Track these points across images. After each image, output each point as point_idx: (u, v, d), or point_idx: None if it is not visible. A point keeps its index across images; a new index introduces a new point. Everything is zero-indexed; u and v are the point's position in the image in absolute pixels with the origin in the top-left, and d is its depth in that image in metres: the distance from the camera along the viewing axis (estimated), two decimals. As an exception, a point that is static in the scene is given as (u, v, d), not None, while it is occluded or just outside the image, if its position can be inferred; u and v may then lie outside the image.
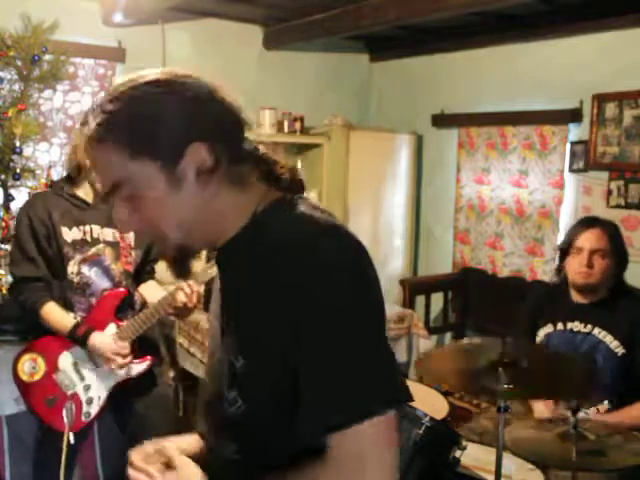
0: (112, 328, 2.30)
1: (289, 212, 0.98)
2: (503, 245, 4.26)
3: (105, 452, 2.70)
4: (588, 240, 2.37)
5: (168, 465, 1.09)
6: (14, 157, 2.97)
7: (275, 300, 0.92)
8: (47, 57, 3.05)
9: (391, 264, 4.64)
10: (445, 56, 4.55)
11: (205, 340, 3.19)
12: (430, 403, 2.09)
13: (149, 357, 2.36)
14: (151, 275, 2.51)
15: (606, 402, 2.33)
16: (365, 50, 5.11)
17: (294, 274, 0.90)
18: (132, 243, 2.39)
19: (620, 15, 3.51)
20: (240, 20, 4.34)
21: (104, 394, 2.31)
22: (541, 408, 2.43)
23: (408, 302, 4.19)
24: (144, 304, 2.42)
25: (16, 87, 3.04)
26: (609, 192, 3.64)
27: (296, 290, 0.90)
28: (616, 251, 2.38)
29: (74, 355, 2.30)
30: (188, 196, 0.95)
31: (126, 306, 2.37)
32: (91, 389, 2.30)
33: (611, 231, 2.41)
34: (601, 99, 3.63)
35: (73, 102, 3.76)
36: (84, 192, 2.34)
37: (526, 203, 4.09)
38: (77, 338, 2.24)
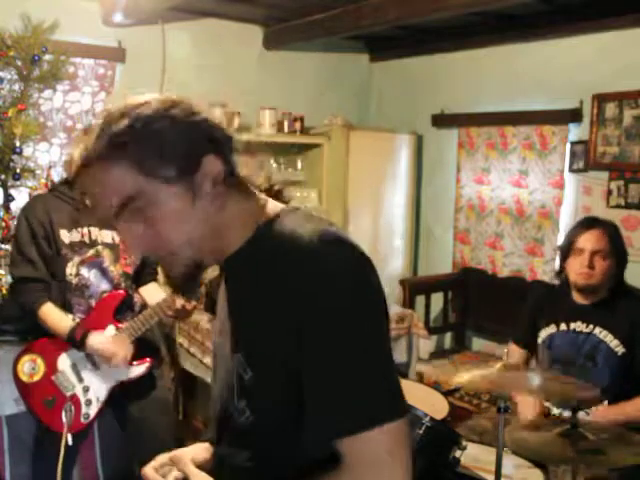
0: (111, 330, 2.31)
1: (291, 223, 0.99)
2: (503, 245, 4.26)
3: (105, 452, 2.71)
4: (589, 241, 2.37)
5: (184, 478, 1.10)
6: (14, 157, 2.97)
7: (278, 310, 0.93)
8: (47, 57, 3.05)
9: (391, 264, 4.64)
10: (445, 56, 4.55)
11: (205, 340, 3.20)
12: (430, 403, 2.09)
13: (148, 359, 2.36)
14: (152, 277, 2.52)
15: (606, 402, 2.33)
16: (365, 50, 5.11)
17: (296, 284, 0.91)
18: None
19: (620, 15, 3.50)
20: (240, 20, 4.33)
21: (103, 396, 2.31)
22: (525, 411, 2.43)
23: (408, 302, 4.19)
24: (144, 306, 2.42)
25: (16, 87, 3.03)
26: (609, 192, 3.64)
27: (299, 299, 0.90)
28: (616, 251, 2.39)
29: (73, 356, 2.30)
30: (200, 208, 0.96)
31: (125, 308, 2.37)
32: (90, 391, 2.30)
33: (611, 232, 2.41)
34: (601, 99, 3.63)
35: (73, 102, 3.75)
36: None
37: (526, 203, 4.09)
38: (75, 341, 2.24)
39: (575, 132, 3.81)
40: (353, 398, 0.89)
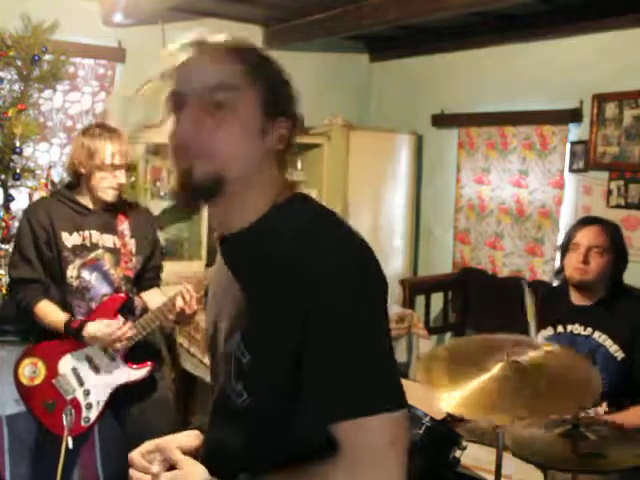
0: None
1: (305, 209, 1.02)
2: (503, 245, 4.26)
3: (105, 453, 2.71)
4: (585, 237, 2.36)
5: (170, 464, 1.09)
6: (14, 157, 2.97)
7: (284, 294, 0.93)
8: (47, 57, 3.05)
9: (391, 264, 4.63)
10: (445, 56, 4.55)
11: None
12: (430, 403, 2.09)
13: (149, 363, 2.36)
14: (155, 282, 2.52)
15: (604, 404, 2.32)
16: (365, 50, 5.11)
17: (306, 268, 0.92)
18: (133, 249, 2.40)
19: (620, 15, 3.51)
20: (240, 20, 4.33)
21: (103, 399, 2.31)
22: None
23: (408, 302, 4.19)
24: (144, 310, 2.42)
25: (16, 87, 3.03)
26: (609, 192, 3.64)
27: (307, 284, 0.91)
28: (615, 249, 2.37)
29: (74, 360, 2.30)
30: (260, 148, 0.99)
31: (126, 311, 2.37)
32: (91, 394, 2.30)
33: (611, 230, 2.40)
34: (601, 99, 3.63)
35: (73, 102, 3.75)
36: (85, 198, 2.36)
37: (526, 203, 4.09)
38: (72, 331, 2.24)
39: (575, 132, 3.81)
40: (354, 384, 0.90)
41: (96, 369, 2.31)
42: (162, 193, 4.00)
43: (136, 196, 3.49)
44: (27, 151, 3.07)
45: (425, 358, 1.85)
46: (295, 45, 4.55)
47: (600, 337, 2.35)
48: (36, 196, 3.01)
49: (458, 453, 1.81)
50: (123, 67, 3.91)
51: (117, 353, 2.31)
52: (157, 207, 3.85)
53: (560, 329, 2.45)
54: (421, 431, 1.74)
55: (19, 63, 3.00)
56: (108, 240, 2.37)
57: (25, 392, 2.30)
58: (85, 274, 2.32)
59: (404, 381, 0.97)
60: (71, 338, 2.26)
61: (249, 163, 0.99)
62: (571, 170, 3.84)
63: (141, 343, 2.33)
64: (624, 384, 2.31)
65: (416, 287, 4.35)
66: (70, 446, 2.20)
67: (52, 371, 2.29)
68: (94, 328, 2.23)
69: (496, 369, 1.82)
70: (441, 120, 4.60)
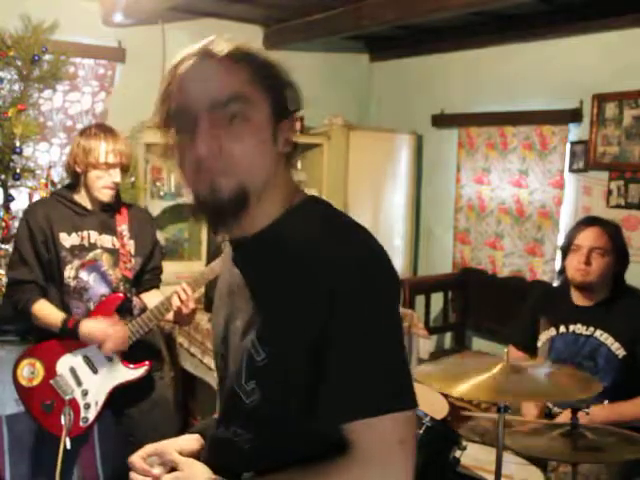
0: None
1: (321, 210, 1.03)
2: (503, 245, 4.26)
3: (105, 452, 2.71)
4: (587, 238, 2.37)
5: (171, 466, 1.10)
6: (14, 157, 2.97)
7: (305, 292, 0.94)
8: (47, 57, 3.05)
9: (391, 264, 4.63)
10: (445, 56, 4.55)
11: (205, 340, 3.19)
12: (430, 403, 2.09)
13: (146, 363, 2.36)
14: (154, 283, 2.52)
15: (606, 402, 2.33)
16: (365, 50, 5.11)
17: (323, 272, 0.92)
18: (132, 250, 2.40)
19: (620, 15, 3.51)
20: (240, 20, 4.33)
21: (102, 399, 2.31)
22: (526, 412, 2.43)
23: (408, 302, 4.19)
24: (143, 310, 2.42)
25: (16, 87, 3.03)
26: (609, 192, 3.64)
27: (325, 287, 0.92)
28: (616, 250, 2.38)
29: (72, 360, 2.30)
30: (272, 152, 0.99)
31: (124, 311, 2.37)
32: (89, 394, 2.30)
33: (611, 230, 2.41)
34: (601, 99, 3.63)
35: (73, 102, 3.75)
36: (83, 198, 2.37)
37: (526, 203, 4.09)
38: (69, 330, 2.24)
39: (575, 132, 3.81)
40: (372, 382, 0.91)
41: (94, 369, 2.31)
42: (162, 193, 4.00)
43: (136, 196, 3.50)
44: (27, 151, 3.07)
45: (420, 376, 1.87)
46: (295, 45, 4.55)
47: (602, 336, 2.36)
48: (36, 196, 3.01)
49: (458, 453, 1.81)
50: (123, 67, 3.91)
51: (112, 354, 2.30)
52: (157, 207, 3.86)
53: (562, 329, 2.45)
54: (421, 431, 1.74)
55: (19, 63, 3.00)
56: (107, 240, 2.37)
57: (24, 393, 2.30)
58: (83, 274, 2.33)
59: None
60: (69, 338, 2.26)
61: (267, 170, 0.99)
62: (571, 170, 3.84)
63: (140, 343, 2.33)
64: (625, 382, 2.32)
65: (416, 287, 4.35)
66: (68, 446, 2.20)
67: (50, 372, 2.29)
68: (88, 325, 2.24)
69: (496, 369, 1.83)
70: (441, 120, 4.60)
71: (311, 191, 4.26)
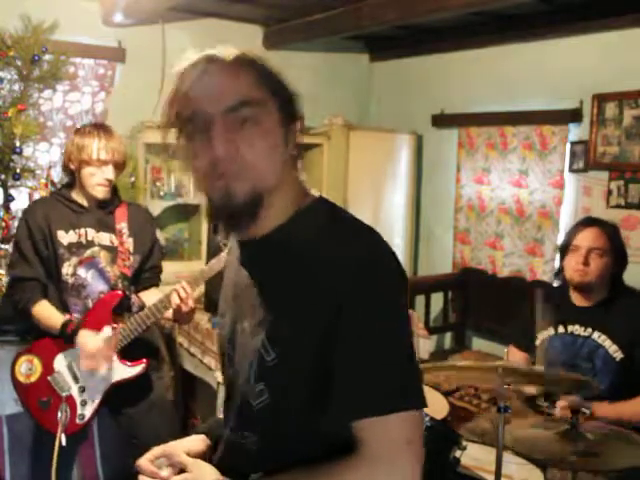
0: (108, 330, 2.30)
1: (331, 211, 1.05)
2: (503, 245, 4.26)
3: (105, 452, 2.71)
4: (585, 238, 2.37)
5: (180, 468, 1.10)
6: (14, 157, 2.97)
7: (316, 291, 0.94)
8: (47, 57, 3.05)
9: (391, 264, 4.63)
10: (445, 56, 4.55)
11: (205, 340, 3.19)
12: (430, 403, 2.09)
13: (144, 360, 2.36)
14: (154, 281, 2.52)
15: (605, 402, 2.32)
16: (365, 50, 5.11)
17: (334, 272, 0.93)
18: (131, 248, 2.40)
19: (620, 15, 3.50)
20: (240, 20, 4.33)
21: (98, 396, 2.31)
22: (517, 358, 2.48)
23: (408, 302, 4.17)
24: (141, 307, 2.42)
25: (16, 87, 3.04)
26: (609, 192, 3.64)
27: (336, 287, 0.92)
28: (614, 250, 2.38)
29: (70, 357, 2.30)
30: (283, 155, 1.00)
31: (122, 309, 2.37)
32: (86, 391, 2.30)
33: (610, 231, 2.41)
34: (601, 99, 3.63)
35: (73, 102, 3.75)
36: (80, 196, 2.38)
37: (526, 203, 4.09)
38: (67, 335, 2.24)
39: (575, 132, 3.81)
40: (382, 381, 0.92)
41: None
42: (162, 193, 4.00)
43: (136, 196, 3.50)
44: (27, 151, 3.07)
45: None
46: (295, 45, 4.56)
47: (599, 337, 2.35)
48: (36, 196, 3.02)
49: (458, 453, 1.81)
50: (123, 67, 3.91)
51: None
52: (157, 207, 3.86)
53: (561, 329, 2.45)
54: (421, 431, 1.74)
55: (19, 63, 3.00)
56: (104, 238, 2.38)
57: (22, 389, 2.31)
58: (81, 272, 2.33)
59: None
60: None
61: (279, 173, 1.00)
62: (571, 170, 3.84)
63: (138, 341, 2.33)
64: (623, 384, 2.31)
65: (416, 287, 4.34)
66: (64, 443, 2.20)
67: (48, 368, 2.29)
68: (81, 340, 2.23)
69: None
70: (441, 120, 4.60)
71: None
